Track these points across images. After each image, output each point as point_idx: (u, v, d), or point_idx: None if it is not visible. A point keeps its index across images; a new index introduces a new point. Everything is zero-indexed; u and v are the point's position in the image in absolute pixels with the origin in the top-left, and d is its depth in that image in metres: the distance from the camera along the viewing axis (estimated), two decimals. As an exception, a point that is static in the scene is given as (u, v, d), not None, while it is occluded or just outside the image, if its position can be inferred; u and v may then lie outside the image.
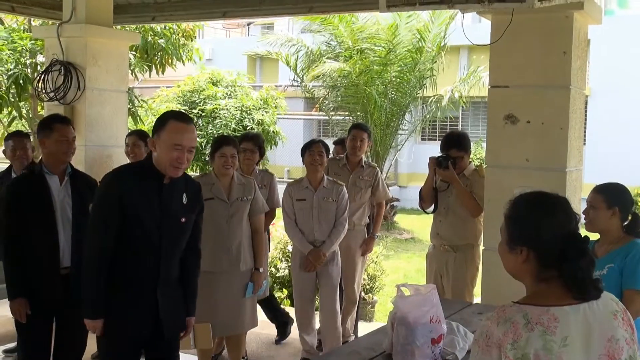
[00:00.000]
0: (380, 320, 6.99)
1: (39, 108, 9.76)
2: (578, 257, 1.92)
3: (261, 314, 6.53)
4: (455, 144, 5.15)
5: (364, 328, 6.00)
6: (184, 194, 3.36)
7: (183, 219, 3.35)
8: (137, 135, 5.52)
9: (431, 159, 5.12)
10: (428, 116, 15.29)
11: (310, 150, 5.31)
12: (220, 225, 4.68)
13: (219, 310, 4.67)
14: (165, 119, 3.22)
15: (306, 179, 5.37)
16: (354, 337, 5.88)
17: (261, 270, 4.85)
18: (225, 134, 12.79)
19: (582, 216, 3.38)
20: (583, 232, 3.47)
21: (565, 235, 1.95)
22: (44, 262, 3.87)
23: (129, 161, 5.36)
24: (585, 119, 5.87)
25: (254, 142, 5.56)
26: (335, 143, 6.89)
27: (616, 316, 1.99)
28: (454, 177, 5.01)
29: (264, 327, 6.35)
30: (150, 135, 3.33)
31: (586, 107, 5.91)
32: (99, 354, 3.46)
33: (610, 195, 3.42)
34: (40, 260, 3.87)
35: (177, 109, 12.75)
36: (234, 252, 4.69)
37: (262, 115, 13.11)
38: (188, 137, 3.19)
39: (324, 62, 13.86)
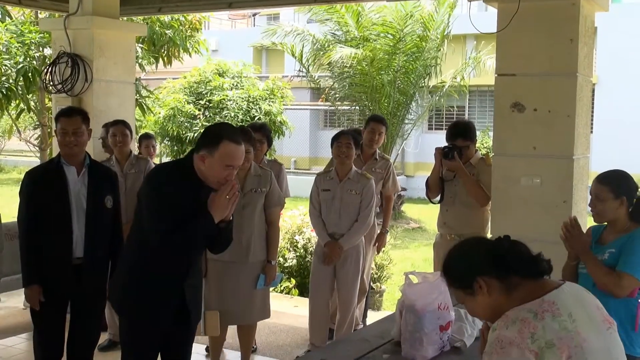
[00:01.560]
0: (388, 309, 7.02)
1: (46, 100, 9.80)
2: (511, 250, 2.09)
3: (272, 304, 6.57)
4: (461, 133, 5.15)
5: (372, 317, 6.03)
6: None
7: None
8: (124, 125, 5.51)
9: (437, 149, 5.12)
10: (433, 104, 15.27)
11: (338, 141, 5.24)
12: (234, 215, 4.69)
13: (228, 299, 4.68)
14: (219, 137, 3.13)
15: (334, 169, 5.32)
16: (362, 325, 5.90)
17: (273, 262, 4.81)
18: (234, 124, 12.82)
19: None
20: (590, 222, 3.50)
21: (488, 252, 2.12)
22: (57, 252, 3.92)
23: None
24: (592, 107, 5.86)
25: (262, 132, 5.55)
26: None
27: (586, 290, 2.17)
28: (460, 166, 5.02)
29: (273, 317, 6.36)
30: (197, 148, 3.22)
31: (593, 95, 5.89)
32: (120, 335, 3.45)
33: (616, 185, 3.39)
34: (54, 249, 3.92)
35: (185, 99, 12.78)
36: (244, 244, 4.66)
37: (269, 105, 13.11)
38: (240, 157, 3.19)
39: (336, 48, 13.82)
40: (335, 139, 5.31)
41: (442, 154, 5.04)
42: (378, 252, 6.04)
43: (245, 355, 5.03)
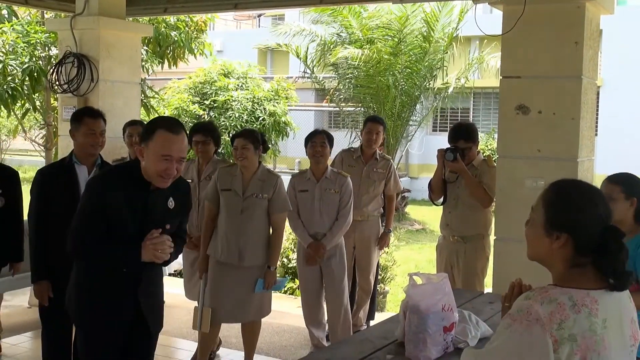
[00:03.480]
0: (391, 310, 7.03)
1: (52, 100, 9.83)
2: (619, 251, 1.94)
3: (275, 304, 6.58)
4: (463, 135, 5.16)
5: (376, 318, 6.04)
6: (170, 198, 3.23)
7: (167, 226, 3.23)
8: (142, 125, 5.52)
9: (440, 150, 5.13)
10: (437, 106, 15.25)
11: (313, 141, 5.28)
12: (232, 218, 4.71)
13: (223, 298, 4.71)
14: (154, 128, 3.07)
15: (309, 170, 5.35)
16: (365, 326, 5.91)
17: (272, 268, 4.77)
18: (238, 125, 12.84)
19: None
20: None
21: (607, 227, 1.97)
22: (65, 250, 3.94)
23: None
24: (597, 110, 5.86)
25: (203, 133, 5.36)
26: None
27: (631, 299, 2.07)
28: (463, 168, 5.02)
29: (276, 317, 6.39)
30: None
31: (598, 98, 5.89)
32: (78, 346, 3.34)
33: (628, 185, 3.39)
34: (62, 247, 3.94)
35: (190, 99, 12.80)
36: (237, 247, 4.67)
37: (274, 106, 13.13)
38: (177, 148, 3.04)
39: (344, 48, 13.83)
40: (309, 139, 5.33)
41: (445, 156, 5.04)
42: (380, 249, 6.08)
43: (249, 354, 5.05)
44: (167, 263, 3.31)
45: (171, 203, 3.24)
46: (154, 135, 3.04)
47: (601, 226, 1.96)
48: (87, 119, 4.08)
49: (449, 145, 5.12)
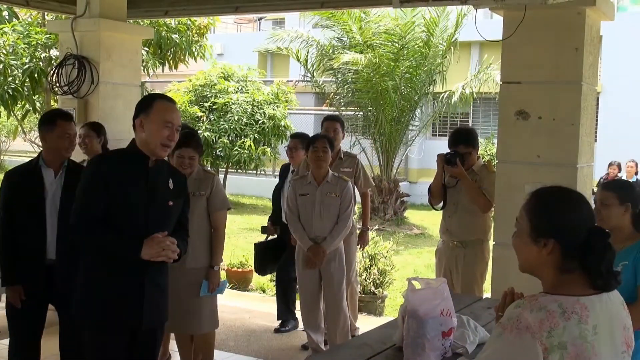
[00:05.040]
0: (390, 314, 7.02)
1: (52, 101, 9.83)
2: (604, 251, 1.96)
3: (274, 308, 6.58)
4: (463, 139, 5.16)
5: (374, 322, 6.03)
6: (170, 179, 3.33)
7: (170, 202, 3.30)
8: (90, 127, 5.39)
9: (439, 155, 5.13)
10: (438, 112, 15.27)
11: (314, 146, 5.27)
12: None
13: (170, 306, 4.59)
14: (151, 100, 3.26)
15: (310, 174, 5.34)
16: (358, 329, 5.89)
17: (216, 268, 4.69)
18: (237, 128, 12.85)
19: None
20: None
21: (591, 229, 1.98)
22: (31, 253, 3.93)
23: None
24: (597, 116, 5.86)
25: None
26: (292, 137, 6.71)
27: (624, 306, 2.07)
28: (463, 173, 5.02)
29: (274, 321, 6.39)
30: (133, 117, 3.26)
31: (597, 104, 5.90)
32: (84, 341, 3.32)
33: (621, 191, 3.42)
34: (28, 250, 3.93)
35: (190, 100, 12.81)
36: None
37: (273, 110, 13.14)
38: (176, 116, 3.25)
39: (344, 53, 13.84)
40: (310, 143, 5.32)
41: (445, 160, 5.04)
42: (362, 248, 6.09)
43: None
44: (176, 260, 3.34)
45: (171, 184, 3.33)
46: (153, 105, 3.20)
47: (585, 227, 1.98)
48: (61, 121, 4.00)
49: (448, 150, 5.13)
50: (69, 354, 4.12)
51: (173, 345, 5.17)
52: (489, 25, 4.86)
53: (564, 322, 1.87)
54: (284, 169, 6.53)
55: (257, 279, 8.08)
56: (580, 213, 2.00)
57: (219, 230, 4.74)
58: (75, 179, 3.96)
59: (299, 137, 6.35)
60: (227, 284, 4.82)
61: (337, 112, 15.96)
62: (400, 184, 15.39)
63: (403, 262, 9.91)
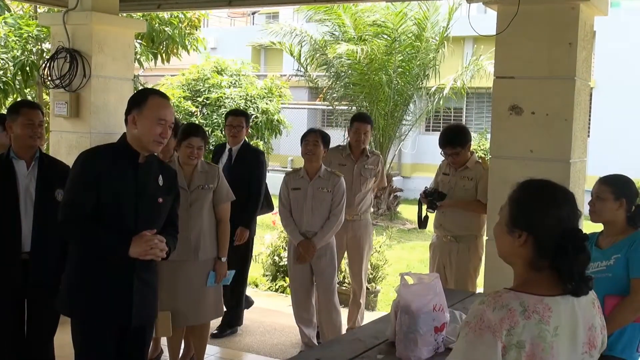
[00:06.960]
0: (382, 309, 7.03)
1: (44, 95, 9.78)
2: (577, 253, 1.94)
3: (266, 303, 6.57)
4: (448, 141, 5.18)
5: (367, 317, 6.04)
6: (160, 176, 3.32)
7: (160, 199, 3.29)
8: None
9: (422, 195, 5.26)
10: (431, 107, 15.26)
11: (306, 140, 5.31)
12: (181, 213, 4.59)
13: (179, 299, 4.60)
14: (145, 95, 3.23)
15: (303, 168, 5.36)
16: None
17: (223, 259, 4.75)
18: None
19: (587, 207, 3.40)
20: (587, 222, 3.52)
21: (567, 229, 1.96)
22: (5, 246, 3.88)
23: None
24: (590, 111, 5.87)
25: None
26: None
27: (594, 304, 2.06)
28: (452, 204, 5.16)
29: (267, 315, 6.39)
30: (126, 112, 3.25)
31: (591, 99, 5.91)
32: (72, 338, 3.28)
33: (618, 186, 3.44)
34: (2, 243, 3.88)
35: (182, 95, 12.78)
36: (193, 241, 4.61)
37: (267, 104, 13.11)
38: (170, 112, 3.23)
39: (338, 46, 13.80)
40: (303, 138, 5.35)
41: (428, 207, 5.24)
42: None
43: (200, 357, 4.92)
44: (165, 258, 3.33)
45: (160, 180, 3.32)
46: (147, 101, 3.18)
47: (561, 227, 1.96)
48: (25, 109, 3.96)
49: (428, 187, 5.32)
50: (38, 349, 4.04)
51: (164, 340, 5.16)
52: (483, 20, 4.83)
53: (524, 321, 1.87)
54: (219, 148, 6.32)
55: (249, 273, 8.06)
56: (558, 211, 1.98)
57: (223, 222, 4.81)
58: (51, 171, 3.96)
59: (242, 115, 6.17)
60: (234, 273, 4.89)
61: (330, 107, 15.97)
62: (393, 178, 15.39)
63: (396, 257, 9.91)
